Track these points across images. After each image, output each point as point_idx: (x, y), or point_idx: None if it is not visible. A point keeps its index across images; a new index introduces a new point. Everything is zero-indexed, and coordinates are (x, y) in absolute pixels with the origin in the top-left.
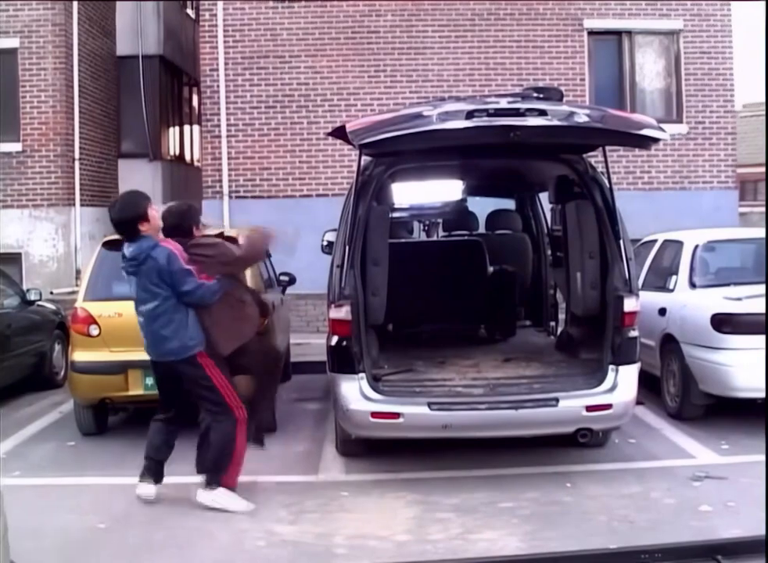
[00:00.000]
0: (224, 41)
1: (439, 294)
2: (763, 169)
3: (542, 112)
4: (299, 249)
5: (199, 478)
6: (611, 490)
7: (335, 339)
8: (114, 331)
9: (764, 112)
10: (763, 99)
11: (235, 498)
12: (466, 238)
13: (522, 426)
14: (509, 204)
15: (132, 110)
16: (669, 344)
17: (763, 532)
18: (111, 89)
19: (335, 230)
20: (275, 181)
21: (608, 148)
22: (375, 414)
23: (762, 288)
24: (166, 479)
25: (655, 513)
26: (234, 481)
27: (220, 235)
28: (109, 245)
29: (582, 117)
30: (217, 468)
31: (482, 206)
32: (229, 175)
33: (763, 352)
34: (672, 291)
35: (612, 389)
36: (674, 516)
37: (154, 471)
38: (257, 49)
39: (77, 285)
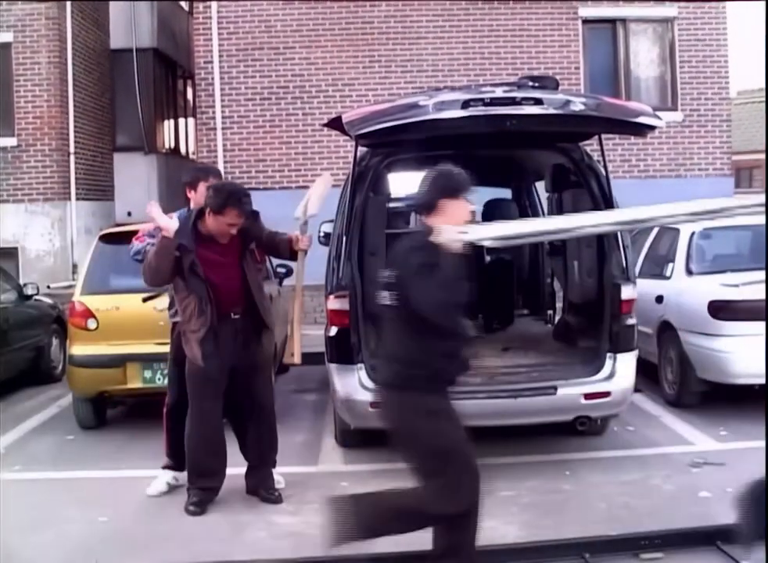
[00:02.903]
0: (219, 34)
1: None
2: (758, 156)
3: (538, 101)
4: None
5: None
6: (611, 478)
7: (333, 330)
8: (112, 324)
9: (758, 100)
10: (757, 86)
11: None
12: None
13: (520, 415)
14: (506, 193)
15: (127, 103)
16: (667, 331)
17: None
18: (105, 82)
19: (331, 221)
20: (271, 173)
21: (603, 136)
22: (374, 404)
23: (758, 275)
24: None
25: (655, 500)
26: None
27: None
28: (107, 239)
29: (578, 105)
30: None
31: (478, 196)
32: (225, 167)
33: (761, 338)
34: (669, 278)
35: (610, 376)
36: (673, 502)
37: None
38: (251, 41)
39: (73, 279)
